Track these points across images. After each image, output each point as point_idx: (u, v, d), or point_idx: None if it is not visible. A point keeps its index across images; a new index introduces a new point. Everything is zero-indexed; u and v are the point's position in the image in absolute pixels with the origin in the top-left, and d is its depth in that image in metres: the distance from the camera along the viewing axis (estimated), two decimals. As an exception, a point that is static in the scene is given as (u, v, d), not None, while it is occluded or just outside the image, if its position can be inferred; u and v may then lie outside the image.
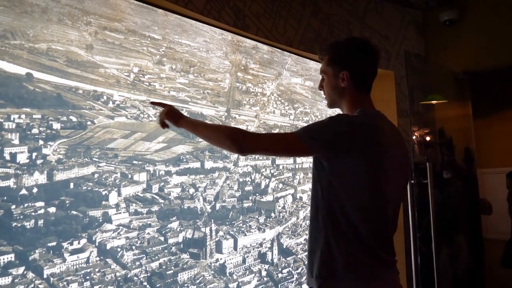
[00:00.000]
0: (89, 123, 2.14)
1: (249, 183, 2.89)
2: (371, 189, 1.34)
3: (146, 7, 2.42)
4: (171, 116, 1.58)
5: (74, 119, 2.09)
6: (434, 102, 3.87)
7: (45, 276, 1.90)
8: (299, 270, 3.13)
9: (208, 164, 2.64)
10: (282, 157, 1.32)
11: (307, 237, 1.46)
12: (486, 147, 4.04)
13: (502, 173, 3.96)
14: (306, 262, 1.40)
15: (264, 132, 1.43)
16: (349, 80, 1.43)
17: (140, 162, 2.32)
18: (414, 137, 3.63)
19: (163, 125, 1.62)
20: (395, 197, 1.44)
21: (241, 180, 2.84)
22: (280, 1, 2.99)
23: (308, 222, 1.48)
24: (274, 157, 3.03)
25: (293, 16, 3.08)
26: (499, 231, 3.90)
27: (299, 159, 3.28)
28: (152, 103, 1.72)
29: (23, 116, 1.91)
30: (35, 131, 1.95)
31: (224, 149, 1.54)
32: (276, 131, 3.13)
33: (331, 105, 1.54)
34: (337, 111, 1.52)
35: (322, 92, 1.56)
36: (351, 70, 1.43)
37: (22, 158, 1.89)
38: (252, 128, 2.95)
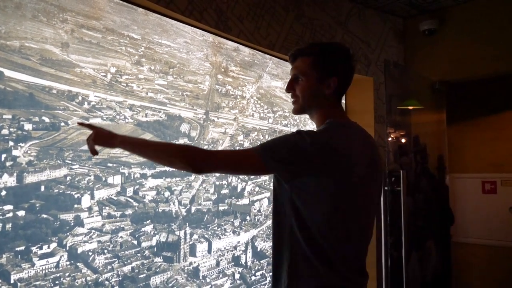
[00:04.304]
0: (62, 124, 2.08)
1: (225, 186, 2.88)
2: (337, 212, 1.27)
3: (126, 6, 2.36)
4: (99, 139, 1.39)
5: (46, 119, 2.03)
6: (410, 107, 3.95)
7: (12, 281, 1.85)
8: (272, 273, 3.15)
9: (185, 167, 2.61)
10: (243, 175, 1.18)
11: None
12: (459, 153, 4.16)
13: (473, 179, 4.10)
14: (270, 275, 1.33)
15: (221, 149, 1.28)
16: (336, 87, 1.36)
17: (114, 165, 2.27)
18: (389, 139, 3.70)
19: (93, 152, 1.42)
20: (367, 215, 1.39)
21: (217, 183, 2.83)
22: (264, 4, 2.97)
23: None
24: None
25: (276, 20, 3.06)
26: (468, 235, 4.05)
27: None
28: (79, 124, 1.50)
29: (-8, 116, 1.84)
30: (5, 131, 1.88)
31: (175, 168, 1.37)
32: (255, 134, 3.12)
33: (300, 111, 1.42)
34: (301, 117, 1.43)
35: (290, 94, 1.42)
36: (340, 77, 1.37)
37: (-10, 160, 1.83)
38: (230, 131, 2.94)
